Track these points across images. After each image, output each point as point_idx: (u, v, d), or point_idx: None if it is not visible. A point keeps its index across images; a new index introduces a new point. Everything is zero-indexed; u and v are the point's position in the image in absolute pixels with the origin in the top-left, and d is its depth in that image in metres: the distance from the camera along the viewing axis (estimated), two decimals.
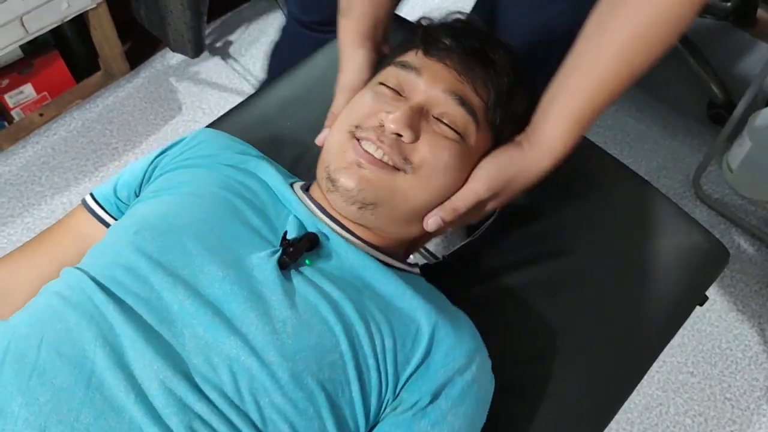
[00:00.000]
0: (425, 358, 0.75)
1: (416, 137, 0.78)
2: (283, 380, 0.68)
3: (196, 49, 1.97)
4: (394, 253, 0.85)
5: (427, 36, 0.85)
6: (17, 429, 0.62)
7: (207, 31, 2.25)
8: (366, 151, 0.78)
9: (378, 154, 0.77)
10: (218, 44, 2.25)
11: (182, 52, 2.02)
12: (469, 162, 0.81)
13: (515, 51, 0.87)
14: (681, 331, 1.73)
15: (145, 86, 2.12)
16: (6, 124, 1.96)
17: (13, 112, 1.96)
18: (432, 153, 0.78)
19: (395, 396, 0.74)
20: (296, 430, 0.68)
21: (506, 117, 0.83)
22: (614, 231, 1.05)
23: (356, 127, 0.80)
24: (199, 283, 0.72)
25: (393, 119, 0.76)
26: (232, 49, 2.24)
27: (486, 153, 0.83)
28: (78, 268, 0.76)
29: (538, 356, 0.94)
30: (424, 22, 0.89)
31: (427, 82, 0.81)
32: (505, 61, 0.84)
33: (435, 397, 0.75)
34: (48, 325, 0.70)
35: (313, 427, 0.68)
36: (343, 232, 0.81)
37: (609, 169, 1.12)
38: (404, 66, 0.83)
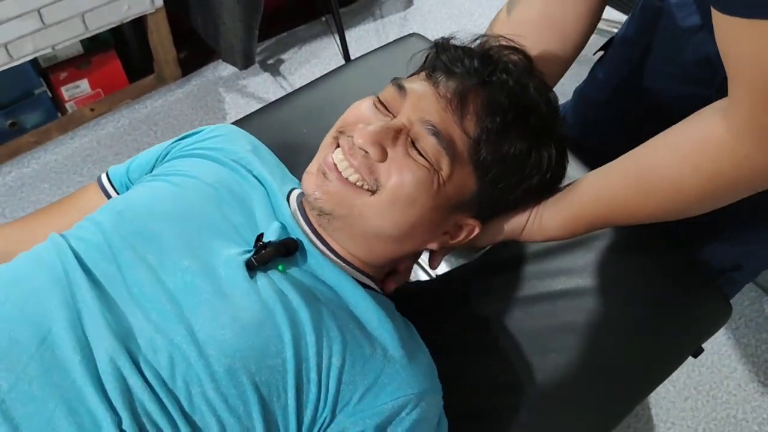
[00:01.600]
0: (373, 385, 0.74)
1: (382, 156, 0.75)
2: (218, 374, 0.68)
3: (244, 61, 2.04)
4: (369, 274, 0.84)
5: (435, 57, 0.81)
6: None
7: (261, 48, 2.33)
8: (333, 162, 0.77)
9: (342, 166, 0.77)
10: (270, 61, 2.32)
11: (232, 63, 2.09)
12: (439, 195, 0.76)
13: (535, 89, 0.80)
14: (695, 395, 1.68)
15: (194, 93, 2.19)
16: (59, 114, 2.05)
17: (67, 105, 2.05)
18: (398, 178, 0.75)
19: (333, 416, 0.74)
20: (223, 425, 0.68)
21: (494, 157, 0.77)
22: (618, 275, 1.03)
23: (340, 132, 0.80)
24: (162, 269, 0.74)
25: (360, 133, 0.75)
26: (282, 68, 2.30)
27: (466, 191, 0.79)
28: (62, 235, 0.79)
29: (512, 387, 0.92)
30: (440, 41, 0.84)
31: (409, 105, 0.78)
32: (505, 97, 0.77)
33: (379, 431, 0.74)
34: (18, 283, 0.73)
35: (241, 425, 0.69)
36: (320, 245, 0.81)
37: None
38: (397, 85, 0.80)
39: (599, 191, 0.82)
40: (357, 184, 0.76)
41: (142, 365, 0.68)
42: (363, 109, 0.81)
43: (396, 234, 0.78)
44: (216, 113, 2.15)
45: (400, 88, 0.79)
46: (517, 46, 0.83)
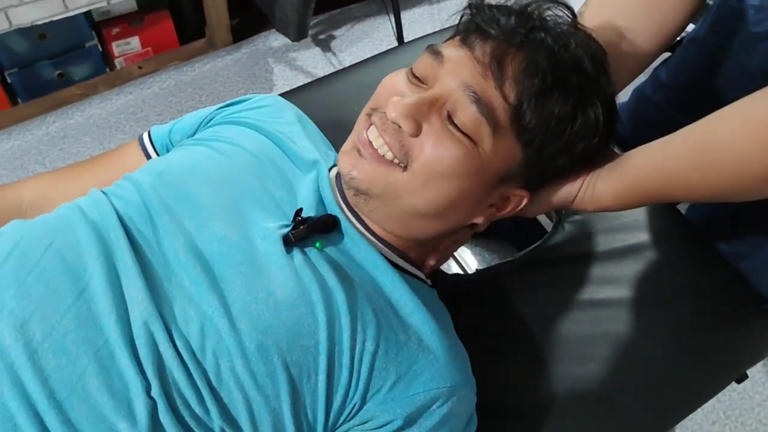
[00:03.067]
0: (405, 373, 0.72)
1: (416, 131, 0.70)
2: (249, 350, 0.66)
3: (297, 33, 2.01)
4: (408, 256, 0.81)
5: (469, 20, 0.75)
6: (2, 317, 0.64)
7: (314, 22, 2.30)
8: (368, 140, 0.73)
9: (377, 143, 0.72)
10: (322, 36, 2.29)
11: (284, 34, 2.06)
12: (481, 170, 0.71)
13: (577, 44, 0.73)
14: (723, 419, 1.63)
15: (243, 61, 2.18)
16: (107, 69, 2.05)
17: (116, 61, 2.05)
18: (433, 153, 0.70)
19: (363, 402, 0.71)
20: (250, 403, 0.66)
21: (537, 122, 0.71)
22: (667, 289, 0.99)
23: (373, 109, 0.76)
24: (199, 237, 0.72)
25: (394, 107, 0.70)
26: (333, 44, 2.28)
27: (512, 162, 0.73)
28: (103, 191, 0.78)
29: (545, 391, 0.89)
30: (474, 1, 0.76)
31: (447, 73, 0.72)
32: (543, 57, 0.71)
33: (408, 423, 0.72)
34: (61, 233, 0.71)
35: (268, 404, 0.67)
36: (357, 224, 0.78)
37: (678, 230, 1.07)
38: (433, 52, 0.74)
39: (657, 162, 0.75)
40: (394, 161, 0.72)
41: (174, 334, 0.66)
42: (396, 82, 0.76)
43: (434, 212, 0.74)
44: (263, 83, 2.13)
45: (437, 54, 0.73)
46: None
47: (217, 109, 0.92)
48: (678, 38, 1.15)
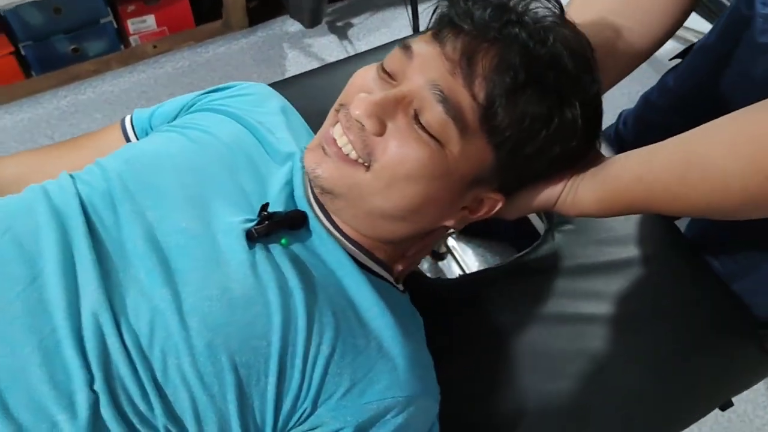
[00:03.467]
0: (360, 380, 0.69)
1: (380, 130, 0.67)
2: (197, 348, 0.64)
3: (311, 19, 1.99)
4: (377, 257, 0.78)
5: (442, 13, 0.71)
6: None
7: (332, 8, 2.28)
8: (333, 137, 0.70)
9: (341, 142, 0.69)
10: (339, 23, 2.26)
11: (299, 20, 2.04)
12: (448, 172, 0.68)
13: (557, 40, 0.68)
14: None
15: (258, 45, 2.16)
16: (122, 47, 2.04)
17: (131, 38, 2.04)
18: (397, 154, 0.67)
19: (314, 407, 0.69)
20: (195, 402, 0.64)
21: (508, 124, 0.67)
22: (655, 306, 0.96)
23: (342, 104, 0.72)
24: (160, 227, 0.70)
25: (358, 104, 0.66)
26: (350, 32, 2.25)
27: (483, 165, 0.69)
28: (71, 175, 0.76)
29: (515, 405, 0.86)
30: None
31: (415, 69, 0.68)
32: (516, 54, 0.66)
33: (359, 431, 0.69)
34: (21, 217, 0.70)
35: (214, 405, 0.65)
36: (326, 221, 0.76)
37: (673, 246, 1.04)
38: (403, 47, 0.70)
39: (641, 172, 0.71)
40: (358, 161, 0.69)
41: (123, 327, 0.64)
42: (365, 77, 0.72)
43: (400, 213, 0.71)
44: (276, 68, 2.11)
45: (407, 49, 0.69)
46: None
47: (200, 95, 0.90)
48: (689, 44, 1.12)
